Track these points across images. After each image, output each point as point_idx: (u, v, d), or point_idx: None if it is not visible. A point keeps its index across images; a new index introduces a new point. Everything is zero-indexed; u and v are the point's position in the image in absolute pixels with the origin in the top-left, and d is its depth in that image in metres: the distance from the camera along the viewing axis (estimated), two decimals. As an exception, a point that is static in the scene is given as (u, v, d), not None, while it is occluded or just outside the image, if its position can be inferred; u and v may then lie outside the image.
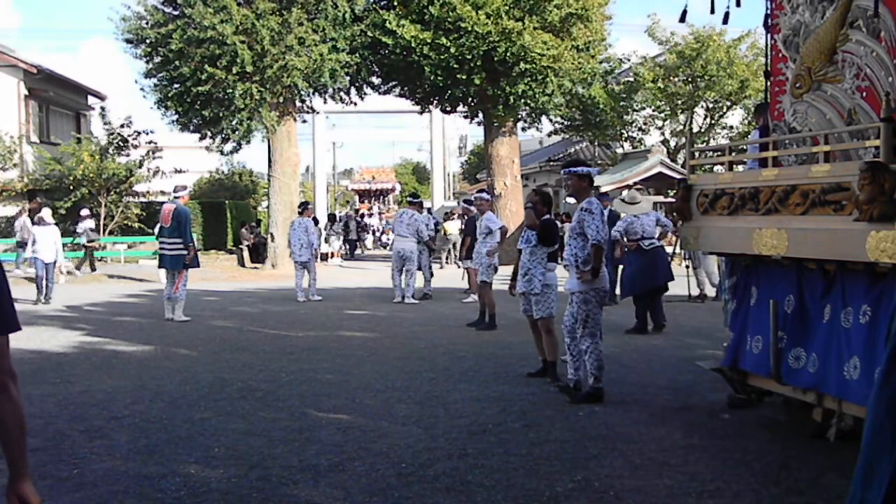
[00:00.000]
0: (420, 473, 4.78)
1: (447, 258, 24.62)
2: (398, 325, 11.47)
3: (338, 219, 30.57)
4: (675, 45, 26.85)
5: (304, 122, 28.68)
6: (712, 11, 6.12)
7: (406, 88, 24.30)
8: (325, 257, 25.50)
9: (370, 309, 13.68)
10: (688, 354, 8.51)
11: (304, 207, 15.96)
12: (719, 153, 14.52)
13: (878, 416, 2.96)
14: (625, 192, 13.11)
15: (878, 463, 2.92)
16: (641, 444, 5.41)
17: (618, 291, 12.15)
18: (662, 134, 28.66)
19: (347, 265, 26.01)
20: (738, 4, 6.22)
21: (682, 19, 6.93)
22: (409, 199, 17.35)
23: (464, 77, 21.64)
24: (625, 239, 11.11)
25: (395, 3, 21.95)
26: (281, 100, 21.73)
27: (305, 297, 14.79)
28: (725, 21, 6.38)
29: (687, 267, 13.81)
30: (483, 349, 9.29)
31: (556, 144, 37.23)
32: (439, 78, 21.86)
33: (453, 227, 23.54)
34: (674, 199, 6.41)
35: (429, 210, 42.59)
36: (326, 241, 26.85)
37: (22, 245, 19.02)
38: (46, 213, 15.73)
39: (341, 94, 23.27)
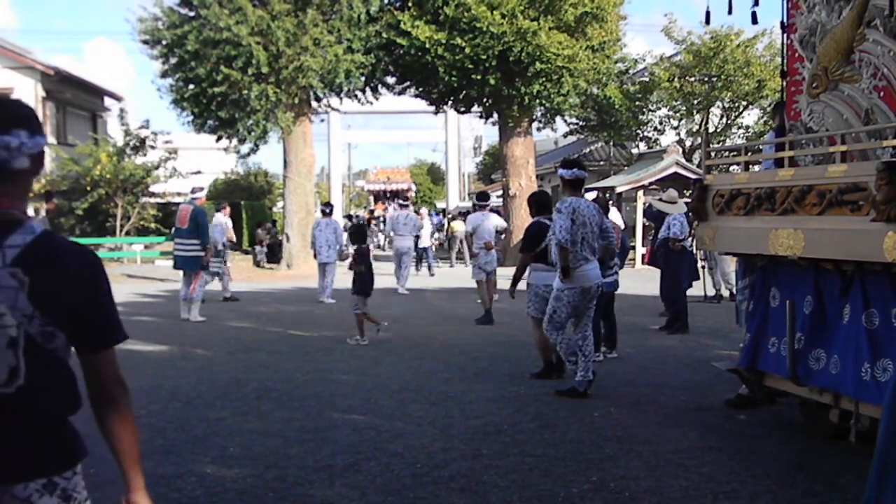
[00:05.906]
0: (435, 474, 4.79)
1: (457, 257, 24.65)
2: (413, 325, 11.49)
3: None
4: (692, 45, 26.72)
5: (322, 121, 28.72)
6: (730, 12, 6.10)
7: (421, 89, 24.31)
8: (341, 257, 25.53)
9: (385, 309, 13.69)
10: (703, 355, 8.49)
11: (331, 209, 15.97)
12: (735, 153, 14.44)
13: (893, 419, 2.94)
14: (665, 193, 13.09)
15: (893, 466, 2.91)
16: (657, 444, 5.40)
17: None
18: (678, 134, 28.49)
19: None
20: (755, 3, 6.19)
21: (707, 21, 6.93)
22: (400, 202, 17.51)
23: (479, 77, 21.63)
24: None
25: (410, 4, 21.96)
26: (296, 101, 21.79)
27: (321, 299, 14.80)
28: (754, 21, 6.36)
29: (703, 267, 13.75)
30: (498, 349, 9.29)
31: (572, 145, 37.07)
32: (454, 78, 21.86)
33: (461, 228, 23.54)
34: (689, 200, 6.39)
35: (443, 211, 42.62)
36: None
37: None
38: None
39: (356, 94, 23.32)
